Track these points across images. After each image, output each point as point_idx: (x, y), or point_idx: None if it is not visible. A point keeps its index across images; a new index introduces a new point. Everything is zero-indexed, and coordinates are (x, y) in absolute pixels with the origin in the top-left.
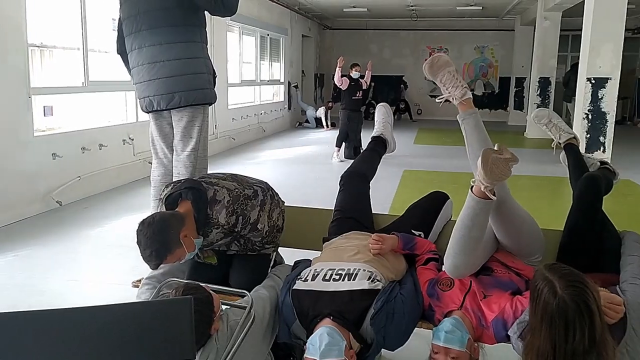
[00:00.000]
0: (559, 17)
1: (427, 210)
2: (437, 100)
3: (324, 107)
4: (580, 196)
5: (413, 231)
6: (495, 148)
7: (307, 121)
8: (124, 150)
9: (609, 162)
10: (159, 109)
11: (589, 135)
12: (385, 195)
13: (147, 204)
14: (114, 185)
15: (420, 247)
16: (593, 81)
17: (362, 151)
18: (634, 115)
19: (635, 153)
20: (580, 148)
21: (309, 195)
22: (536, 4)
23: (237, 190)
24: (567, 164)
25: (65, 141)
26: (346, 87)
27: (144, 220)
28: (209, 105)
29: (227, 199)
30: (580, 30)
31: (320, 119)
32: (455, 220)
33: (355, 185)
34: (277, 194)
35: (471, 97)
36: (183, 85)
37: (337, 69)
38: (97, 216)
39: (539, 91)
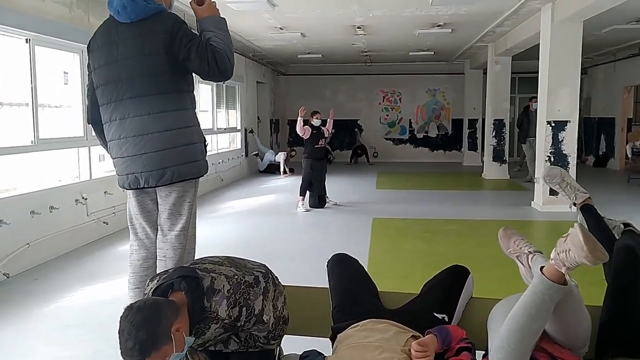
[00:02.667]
0: (510, 62)
1: (449, 288)
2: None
3: (284, 153)
4: (619, 272)
5: (436, 314)
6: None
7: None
8: (77, 210)
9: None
10: (146, 186)
11: None
12: (360, 246)
13: (104, 270)
14: (67, 249)
15: (455, 337)
16: (553, 124)
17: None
18: (581, 153)
19: (596, 192)
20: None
21: (283, 252)
22: (485, 49)
23: (236, 277)
24: (586, 226)
25: (12, 206)
26: (308, 135)
27: (132, 304)
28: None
29: (227, 288)
30: (527, 72)
31: (277, 164)
32: (472, 297)
33: (343, 265)
34: (277, 278)
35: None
36: (175, 159)
37: (299, 118)
38: (49, 289)
39: (494, 133)
